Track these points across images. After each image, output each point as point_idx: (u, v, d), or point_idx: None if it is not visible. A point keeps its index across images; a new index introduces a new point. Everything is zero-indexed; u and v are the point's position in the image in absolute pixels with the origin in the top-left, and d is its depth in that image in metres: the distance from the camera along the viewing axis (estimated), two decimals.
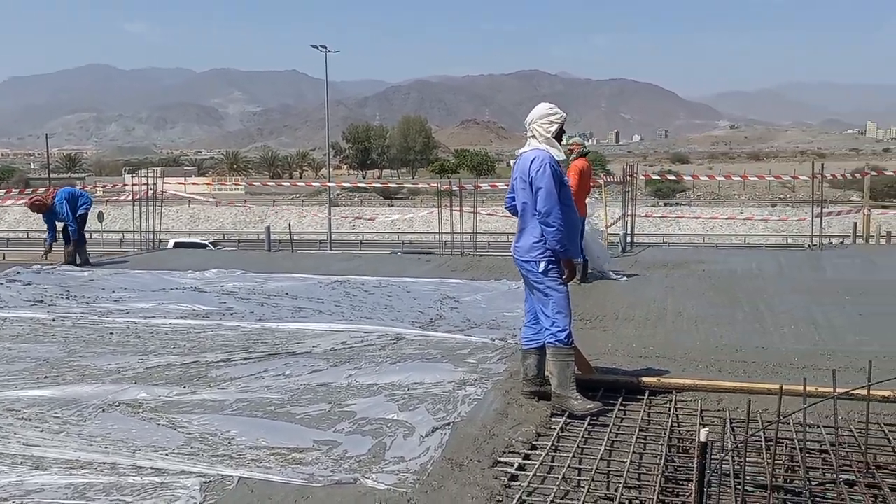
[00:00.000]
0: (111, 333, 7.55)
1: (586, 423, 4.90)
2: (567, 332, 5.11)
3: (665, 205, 65.99)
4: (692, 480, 3.01)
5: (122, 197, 23.68)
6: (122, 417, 4.99)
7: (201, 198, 34.54)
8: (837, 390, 4.13)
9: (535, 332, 5.34)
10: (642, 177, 24.18)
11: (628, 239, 15.16)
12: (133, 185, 20.16)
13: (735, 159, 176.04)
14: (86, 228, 13.47)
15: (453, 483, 3.97)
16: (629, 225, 15.49)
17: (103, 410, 5.11)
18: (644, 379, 5.58)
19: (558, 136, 5.25)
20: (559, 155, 5.16)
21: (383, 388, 5.55)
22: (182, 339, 7.32)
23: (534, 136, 5.24)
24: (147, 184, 17.96)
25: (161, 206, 17.96)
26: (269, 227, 18.17)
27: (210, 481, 4.00)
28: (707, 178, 29.58)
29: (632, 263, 12.41)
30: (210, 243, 22.02)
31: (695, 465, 2.87)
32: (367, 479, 4.02)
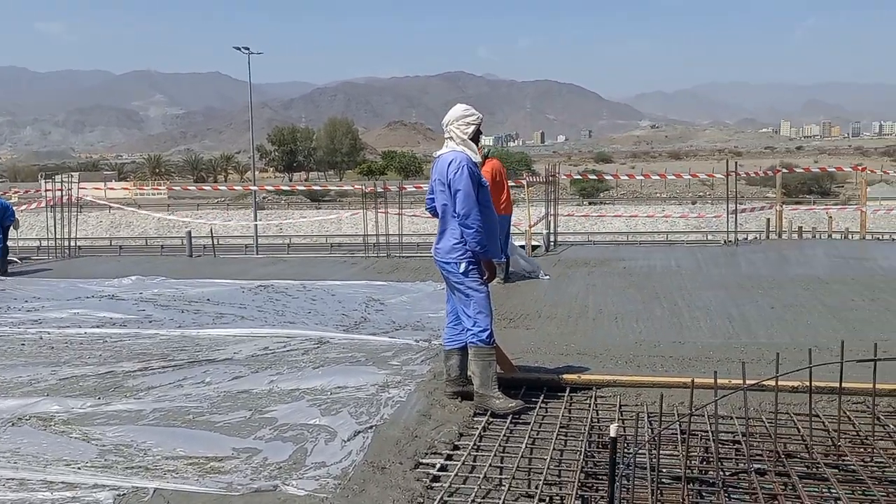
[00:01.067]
0: (22, 344, 7.31)
1: (508, 421, 4.95)
2: (488, 331, 5.15)
3: (589, 204, 67.00)
4: None
5: (34, 205, 22.91)
6: (33, 431, 4.82)
7: (117, 205, 33.62)
8: (747, 382, 4.26)
9: (456, 332, 5.36)
10: (564, 176, 24.53)
11: (551, 238, 15.36)
12: (48, 190, 19.54)
13: (656, 158, 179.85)
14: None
15: (375, 486, 3.96)
16: (552, 224, 15.68)
17: (13, 424, 4.94)
18: (565, 376, 5.66)
19: (475, 137, 5.29)
20: (476, 157, 5.20)
21: (305, 393, 5.50)
22: (98, 348, 7.13)
23: (451, 138, 5.26)
24: (62, 189, 17.48)
25: (79, 212, 17.46)
26: (189, 232, 17.77)
27: (124, 494, 3.90)
28: (627, 178, 30.18)
29: (555, 262, 12.57)
30: None
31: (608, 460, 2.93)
32: (288, 485, 3.98)
